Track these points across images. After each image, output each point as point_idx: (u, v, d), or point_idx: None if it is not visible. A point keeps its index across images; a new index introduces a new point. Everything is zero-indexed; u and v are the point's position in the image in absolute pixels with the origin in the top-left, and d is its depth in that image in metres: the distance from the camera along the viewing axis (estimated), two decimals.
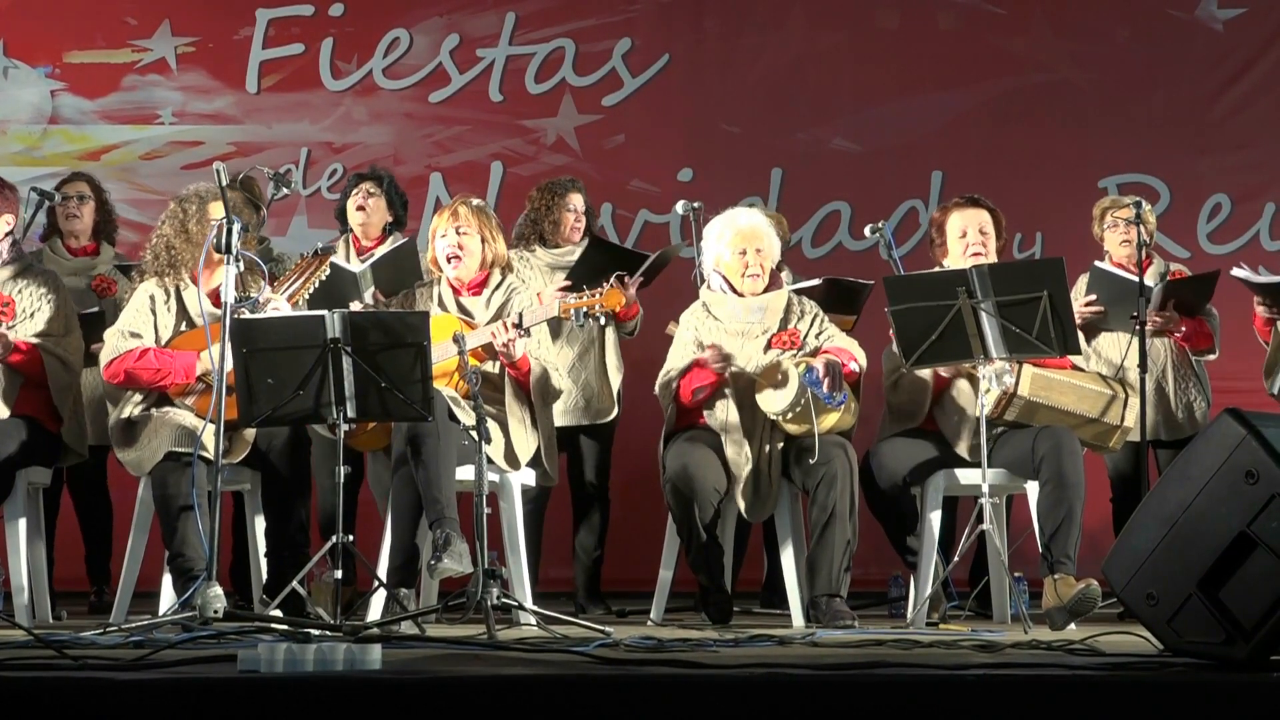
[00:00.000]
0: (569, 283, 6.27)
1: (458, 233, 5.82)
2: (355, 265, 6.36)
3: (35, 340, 5.74)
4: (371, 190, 6.71)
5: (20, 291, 5.81)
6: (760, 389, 5.73)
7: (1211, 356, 6.71)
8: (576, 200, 6.81)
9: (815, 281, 6.42)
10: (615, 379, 6.64)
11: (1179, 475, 3.96)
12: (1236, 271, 6.37)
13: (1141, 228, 6.37)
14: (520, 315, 5.67)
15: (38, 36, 8.38)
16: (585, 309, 5.63)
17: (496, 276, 5.90)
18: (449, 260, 5.84)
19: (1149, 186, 8.11)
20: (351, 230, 6.73)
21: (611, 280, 5.76)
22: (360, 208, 6.69)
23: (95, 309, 6.30)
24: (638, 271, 6.32)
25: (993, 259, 5.87)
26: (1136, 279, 6.42)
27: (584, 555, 6.82)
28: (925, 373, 5.78)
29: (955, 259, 5.88)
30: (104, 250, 6.74)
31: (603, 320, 5.75)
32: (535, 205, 6.81)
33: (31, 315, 5.78)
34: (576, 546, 6.83)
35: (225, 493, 5.39)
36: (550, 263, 6.65)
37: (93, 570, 6.79)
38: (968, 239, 5.89)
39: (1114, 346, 6.55)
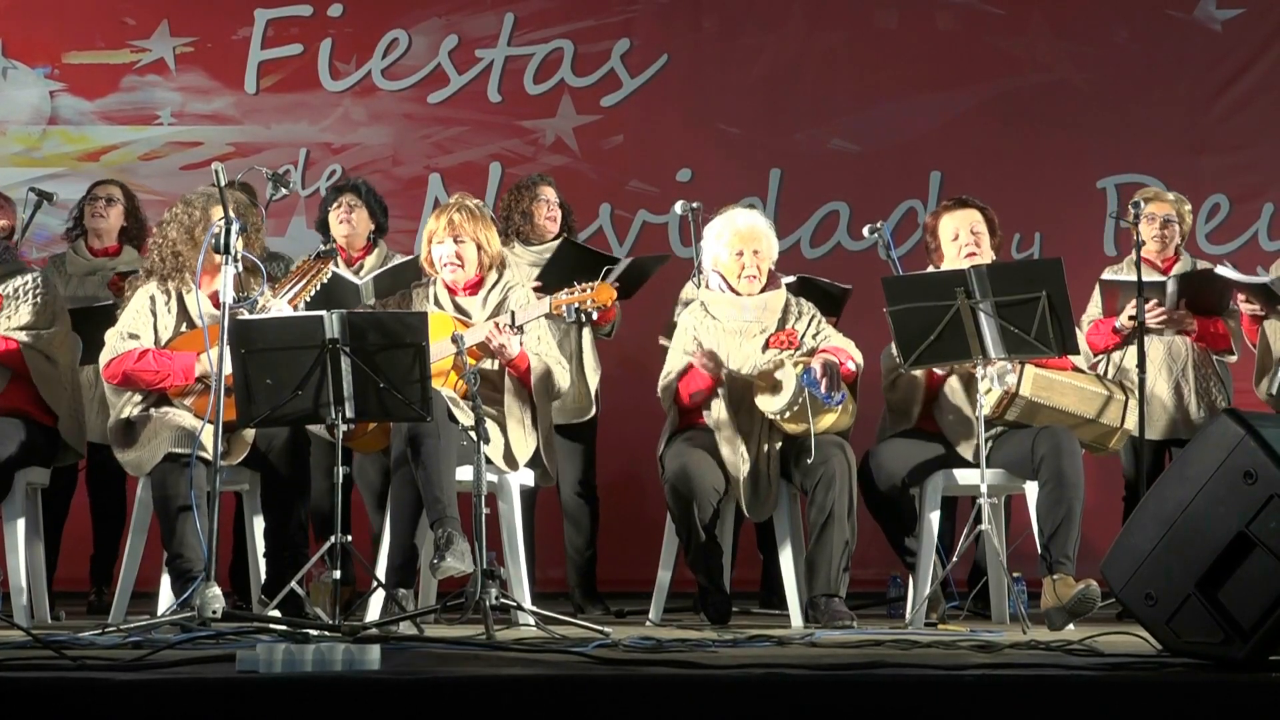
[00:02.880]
0: (539, 283, 6.27)
1: (455, 241, 5.82)
2: (349, 275, 6.36)
3: (17, 335, 5.71)
4: (353, 203, 6.74)
5: (5, 288, 5.78)
6: (758, 388, 5.73)
7: (1231, 358, 6.66)
8: (547, 192, 6.82)
9: (789, 279, 6.39)
10: (593, 379, 6.62)
11: (1177, 475, 3.96)
12: (1220, 270, 6.37)
13: (1142, 225, 6.38)
14: (513, 313, 5.68)
15: (37, 37, 8.38)
16: (577, 304, 5.64)
17: (493, 276, 5.91)
18: (445, 266, 5.84)
19: (1148, 187, 8.11)
20: (335, 241, 6.74)
21: (601, 275, 5.78)
22: (344, 221, 6.72)
23: (110, 301, 6.30)
24: (613, 274, 6.30)
25: (989, 258, 5.87)
26: (1154, 280, 6.42)
27: (576, 555, 6.82)
28: (921, 373, 5.78)
29: (951, 261, 5.88)
30: (126, 253, 6.78)
31: (595, 315, 5.75)
32: (506, 204, 6.84)
33: (16, 310, 5.76)
34: (568, 546, 6.83)
35: (225, 493, 5.39)
36: (531, 261, 6.65)
37: (96, 571, 6.79)
38: (960, 240, 5.89)
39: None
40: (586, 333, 6.60)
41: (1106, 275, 6.66)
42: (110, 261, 6.73)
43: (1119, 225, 6.86)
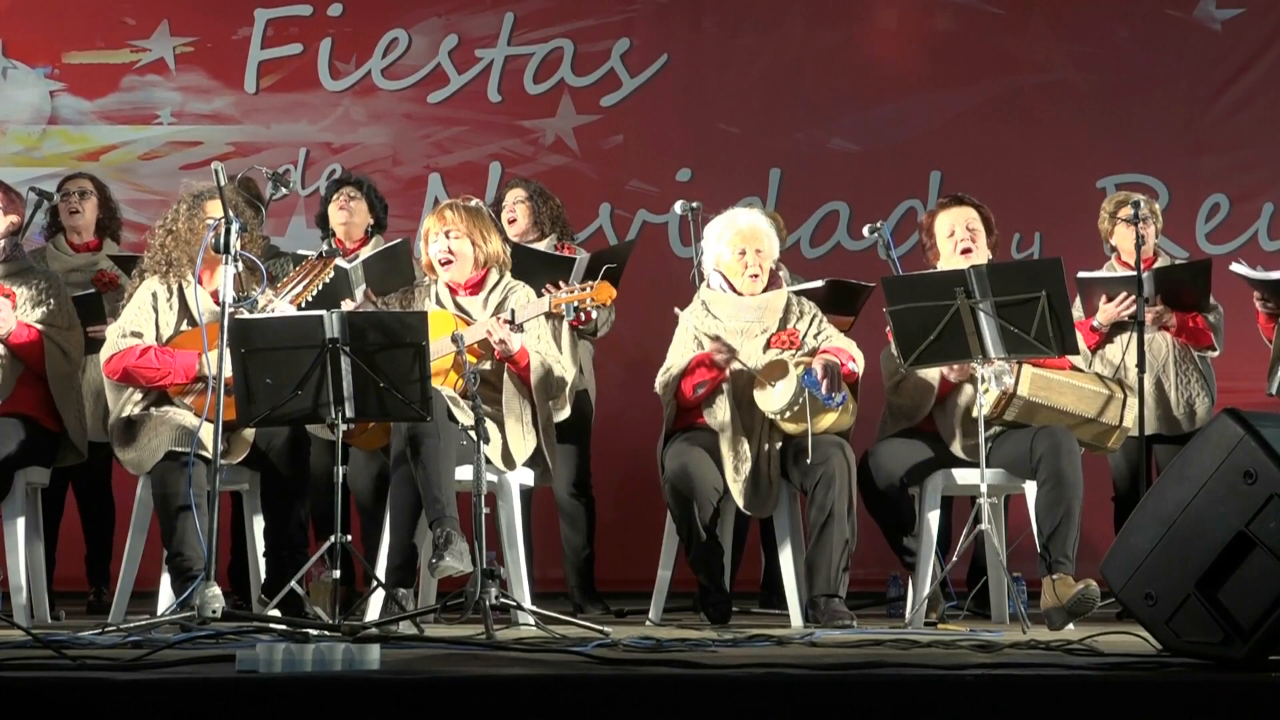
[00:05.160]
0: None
1: (447, 236, 5.83)
2: (341, 263, 6.37)
3: (40, 326, 5.74)
4: (352, 194, 6.76)
5: (19, 287, 5.82)
6: (759, 387, 5.73)
7: (1213, 353, 6.69)
8: (507, 196, 6.86)
9: (818, 283, 6.41)
10: (569, 374, 6.56)
11: (1177, 475, 3.96)
12: (1235, 267, 6.38)
13: (1140, 225, 6.39)
14: (513, 311, 5.67)
15: (37, 37, 8.39)
16: (576, 304, 5.64)
17: (494, 276, 5.90)
18: (441, 264, 5.84)
19: (1147, 186, 8.12)
20: (334, 234, 6.76)
21: (602, 274, 5.78)
22: (343, 209, 6.74)
23: (92, 290, 6.31)
24: (576, 273, 6.28)
25: (984, 255, 5.87)
26: (1131, 275, 6.42)
27: (573, 555, 6.81)
28: (931, 375, 5.78)
29: (947, 259, 5.89)
30: (107, 246, 6.79)
31: (595, 315, 5.73)
32: None
33: (33, 308, 5.79)
34: (565, 546, 6.83)
35: (225, 492, 5.39)
36: None
37: (92, 571, 6.79)
38: (956, 237, 5.89)
39: (1114, 345, 6.57)
40: (566, 331, 6.56)
41: (1083, 274, 6.67)
42: (93, 257, 6.74)
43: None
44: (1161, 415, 6.63)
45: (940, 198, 6.12)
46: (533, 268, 6.24)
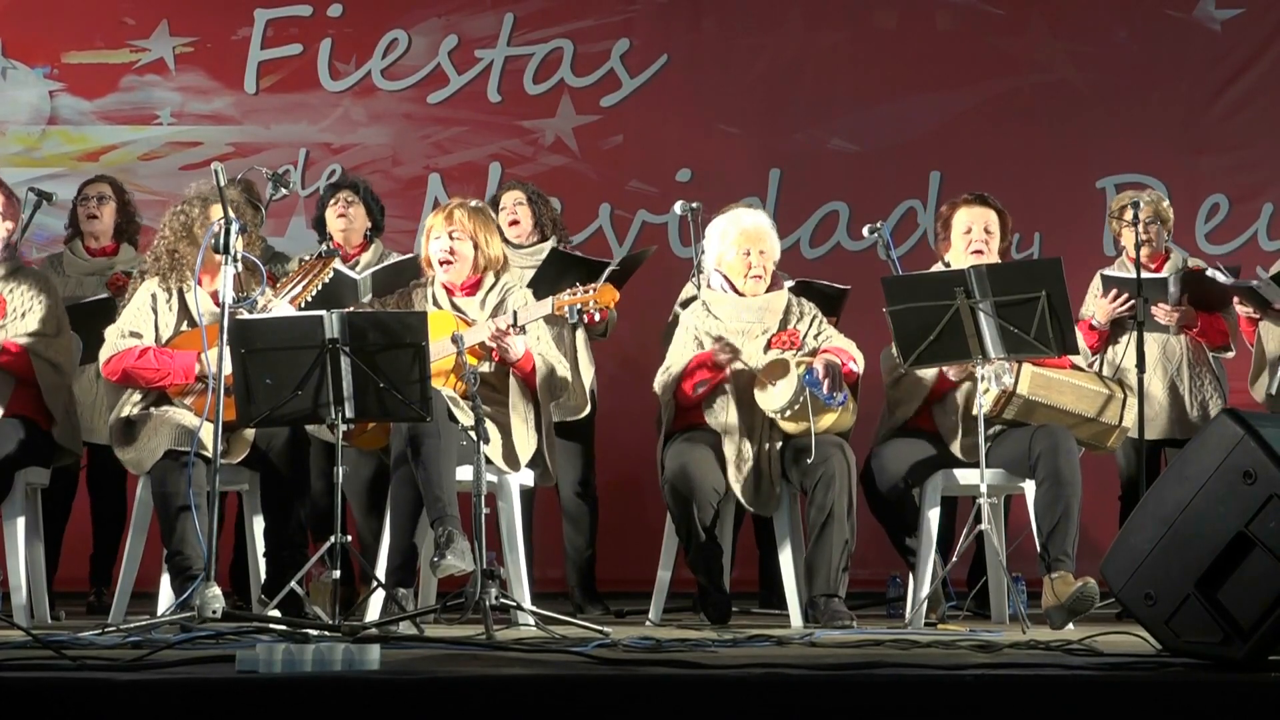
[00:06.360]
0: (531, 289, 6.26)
1: (451, 236, 5.82)
2: (346, 270, 6.36)
3: (25, 342, 5.72)
4: (350, 198, 6.75)
5: (11, 291, 5.81)
6: (760, 387, 5.73)
7: (1229, 354, 6.70)
8: (506, 198, 6.85)
9: (789, 283, 6.40)
10: (587, 376, 6.57)
11: (1177, 475, 3.96)
12: (1211, 273, 6.40)
13: (1141, 225, 6.40)
14: (515, 313, 5.67)
15: (36, 37, 8.38)
16: (579, 306, 5.63)
17: (491, 277, 5.89)
18: (441, 264, 5.84)
19: (1147, 186, 8.11)
20: (331, 238, 6.75)
21: (605, 277, 5.77)
22: (342, 215, 6.73)
23: (106, 295, 6.30)
24: (603, 276, 6.29)
25: (994, 259, 5.87)
26: (1157, 276, 6.43)
27: (575, 555, 6.81)
28: (929, 375, 5.77)
29: (957, 255, 5.89)
30: (124, 251, 6.76)
31: (597, 317, 5.74)
32: None
33: (23, 315, 5.77)
34: (567, 546, 6.83)
35: (225, 492, 5.38)
36: (521, 264, 6.62)
37: (96, 571, 6.78)
38: (971, 236, 5.89)
39: (1119, 345, 6.56)
40: (581, 335, 6.57)
41: (1108, 271, 6.67)
42: (109, 261, 6.73)
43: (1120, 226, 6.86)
44: (1175, 418, 6.62)
45: (965, 193, 6.08)
46: (566, 271, 6.24)
